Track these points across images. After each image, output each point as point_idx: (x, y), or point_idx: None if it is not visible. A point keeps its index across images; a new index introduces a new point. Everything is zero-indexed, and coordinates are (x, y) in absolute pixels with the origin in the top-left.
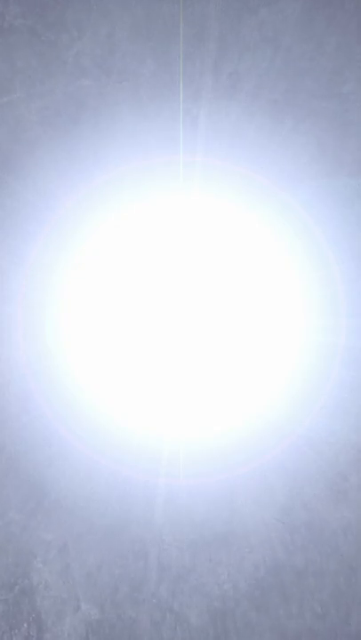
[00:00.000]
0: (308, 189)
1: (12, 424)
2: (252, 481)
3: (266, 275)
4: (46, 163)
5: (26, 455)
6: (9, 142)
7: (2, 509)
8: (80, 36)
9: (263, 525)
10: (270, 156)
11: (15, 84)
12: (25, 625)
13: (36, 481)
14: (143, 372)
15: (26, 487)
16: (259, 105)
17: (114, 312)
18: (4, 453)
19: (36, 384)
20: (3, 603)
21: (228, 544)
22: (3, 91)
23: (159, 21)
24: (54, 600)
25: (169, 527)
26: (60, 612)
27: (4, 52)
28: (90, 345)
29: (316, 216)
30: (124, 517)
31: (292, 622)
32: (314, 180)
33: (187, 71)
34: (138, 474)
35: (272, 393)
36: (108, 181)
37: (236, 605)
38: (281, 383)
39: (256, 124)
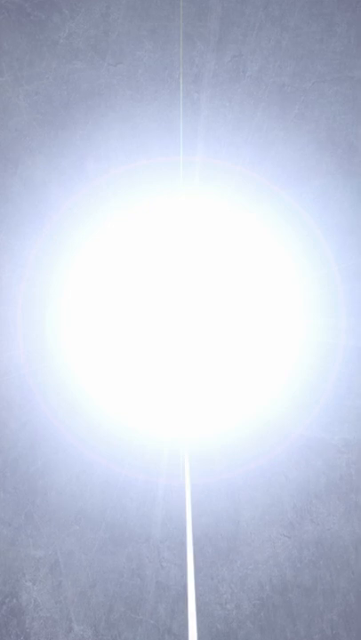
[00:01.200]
0: (308, 189)
1: (11, 424)
2: (253, 481)
3: (266, 274)
4: (39, 155)
5: (25, 456)
6: None
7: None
8: (72, 16)
9: (266, 531)
10: (271, 156)
11: (2, 66)
12: None
13: (35, 481)
14: (144, 371)
15: (25, 487)
16: (264, 89)
17: (114, 312)
18: (2, 455)
19: (36, 384)
20: None
21: (230, 560)
22: None
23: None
24: (45, 621)
25: (168, 535)
26: (51, 634)
27: None
28: (90, 345)
29: (316, 215)
30: (123, 518)
31: None
32: (314, 180)
33: (187, 53)
34: (138, 474)
35: (272, 393)
36: (105, 177)
37: (240, 627)
38: (281, 383)
39: (260, 115)
